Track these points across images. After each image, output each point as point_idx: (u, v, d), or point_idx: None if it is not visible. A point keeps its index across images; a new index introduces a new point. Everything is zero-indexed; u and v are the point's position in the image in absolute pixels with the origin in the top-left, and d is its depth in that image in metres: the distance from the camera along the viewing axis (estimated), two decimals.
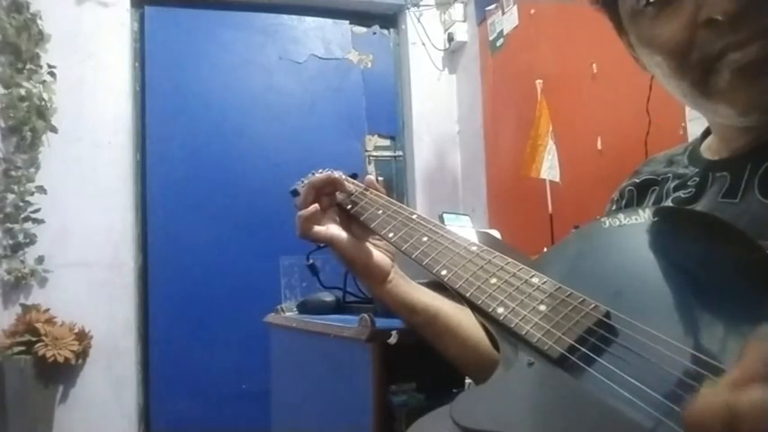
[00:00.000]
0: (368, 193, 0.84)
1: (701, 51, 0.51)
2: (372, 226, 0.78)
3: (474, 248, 0.65)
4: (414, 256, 0.70)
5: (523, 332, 0.51)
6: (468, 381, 0.95)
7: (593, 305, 0.50)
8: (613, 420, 0.41)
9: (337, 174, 0.84)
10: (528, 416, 0.46)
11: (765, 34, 0.48)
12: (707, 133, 0.67)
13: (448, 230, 0.71)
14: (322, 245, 0.83)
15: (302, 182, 0.91)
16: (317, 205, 0.80)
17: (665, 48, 0.54)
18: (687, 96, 0.56)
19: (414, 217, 0.76)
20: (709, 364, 0.40)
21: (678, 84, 0.55)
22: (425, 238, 0.70)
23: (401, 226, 0.75)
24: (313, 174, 0.91)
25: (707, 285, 0.47)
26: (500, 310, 0.55)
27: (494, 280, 0.59)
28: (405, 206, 0.79)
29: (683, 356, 0.41)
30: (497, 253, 0.63)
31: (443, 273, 0.64)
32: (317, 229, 0.79)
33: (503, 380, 0.51)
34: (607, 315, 0.49)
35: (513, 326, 0.53)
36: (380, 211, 0.79)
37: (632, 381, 0.42)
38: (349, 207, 0.83)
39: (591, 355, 0.46)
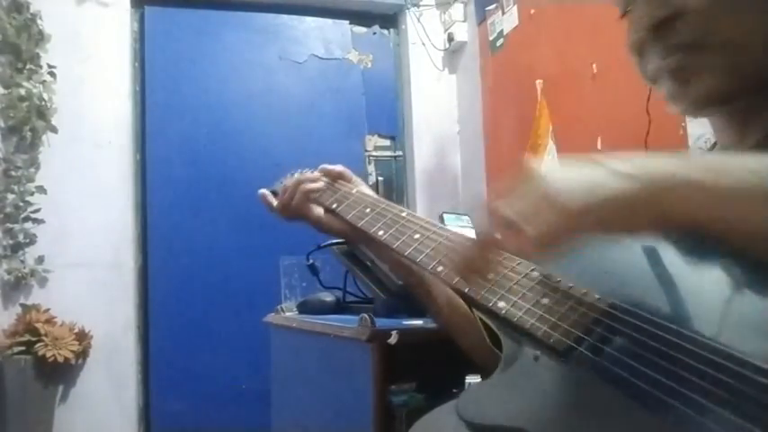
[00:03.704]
0: (354, 191, 0.84)
1: (645, 60, 0.60)
2: (360, 225, 0.77)
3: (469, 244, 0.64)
4: (407, 254, 0.68)
5: (527, 326, 0.50)
6: (468, 380, 0.95)
7: (597, 296, 0.50)
8: (624, 411, 0.41)
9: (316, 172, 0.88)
10: (537, 410, 0.46)
11: (676, 53, 0.56)
12: None
13: (440, 226, 0.70)
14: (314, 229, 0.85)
15: (281, 182, 0.92)
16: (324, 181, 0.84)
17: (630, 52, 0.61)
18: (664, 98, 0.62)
19: (403, 215, 0.74)
20: (716, 349, 0.40)
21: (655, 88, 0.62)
22: (417, 235, 0.69)
23: (391, 223, 0.73)
24: (291, 174, 0.93)
25: (710, 276, 0.47)
26: (501, 304, 0.54)
27: (491, 275, 0.57)
28: (393, 204, 0.78)
29: (690, 343, 0.41)
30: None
31: (439, 269, 0.63)
32: (311, 206, 0.83)
33: (509, 375, 0.51)
34: (612, 306, 0.48)
35: (515, 320, 0.52)
36: (368, 210, 0.78)
37: (640, 369, 0.42)
38: (334, 206, 0.83)
39: (598, 345, 0.46)
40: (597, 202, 0.43)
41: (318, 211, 0.83)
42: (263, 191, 0.93)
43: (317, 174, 0.88)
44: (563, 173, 0.46)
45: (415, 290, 0.84)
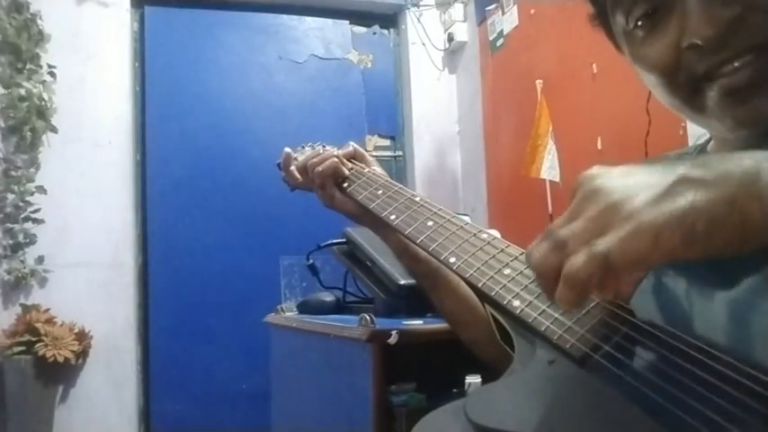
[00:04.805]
0: (365, 170, 0.83)
1: (687, 72, 0.52)
2: (372, 207, 0.75)
3: (484, 236, 0.61)
4: (418, 242, 0.66)
5: (543, 328, 0.48)
6: (467, 381, 0.95)
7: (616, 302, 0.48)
8: (638, 424, 0.40)
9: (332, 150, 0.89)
10: (551, 417, 0.44)
11: (746, 55, 0.49)
12: None
13: (454, 215, 0.68)
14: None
15: (303, 147, 0.94)
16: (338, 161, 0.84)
17: (654, 67, 0.55)
18: (680, 111, 0.57)
19: (417, 199, 0.73)
20: (733, 364, 0.39)
21: (670, 100, 0.56)
22: (431, 223, 0.67)
23: (404, 208, 0.71)
24: (303, 147, 0.94)
25: (724, 282, 0.45)
26: (516, 303, 0.52)
27: (507, 271, 0.56)
28: (406, 188, 0.77)
29: (709, 357, 0.40)
30: (509, 243, 0.60)
31: (452, 260, 0.61)
32: (328, 185, 0.83)
33: (522, 377, 0.49)
34: (631, 313, 0.47)
35: (530, 320, 0.50)
36: (380, 191, 0.77)
37: (658, 381, 0.41)
38: (345, 185, 0.82)
39: (615, 354, 0.44)
40: (684, 213, 0.35)
41: (333, 189, 0.83)
42: (289, 150, 0.94)
43: (330, 151, 0.88)
44: (627, 178, 0.39)
45: (419, 279, 0.83)
